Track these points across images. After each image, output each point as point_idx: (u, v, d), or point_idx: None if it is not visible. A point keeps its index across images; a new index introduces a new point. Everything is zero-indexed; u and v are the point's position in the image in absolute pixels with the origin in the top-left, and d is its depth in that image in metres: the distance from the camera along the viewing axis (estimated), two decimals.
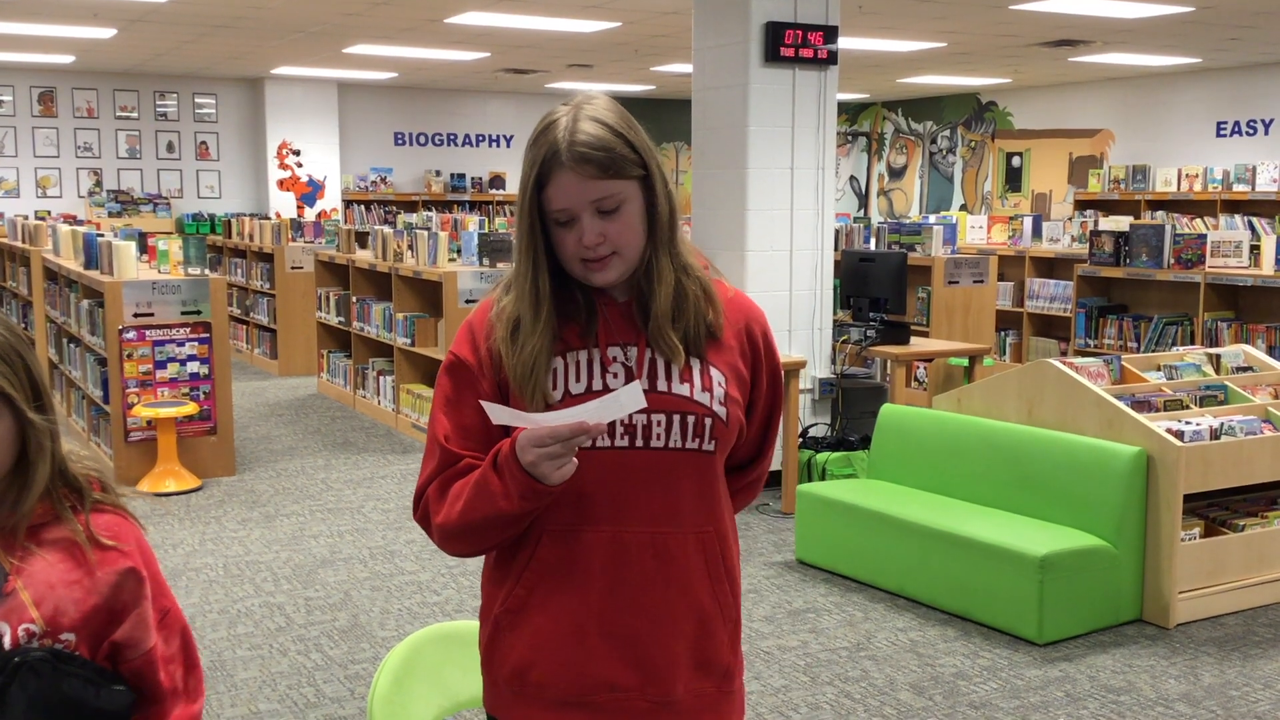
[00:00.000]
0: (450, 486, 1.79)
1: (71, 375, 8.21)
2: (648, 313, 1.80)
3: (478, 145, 16.42)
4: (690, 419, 1.77)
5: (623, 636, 1.78)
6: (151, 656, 1.74)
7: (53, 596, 1.65)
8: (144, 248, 8.33)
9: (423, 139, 16.09)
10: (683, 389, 1.77)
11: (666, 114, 16.91)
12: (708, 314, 1.82)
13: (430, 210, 15.03)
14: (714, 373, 1.81)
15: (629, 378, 1.77)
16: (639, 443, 1.75)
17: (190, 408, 6.82)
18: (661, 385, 1.77)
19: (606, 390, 1.76)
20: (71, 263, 8.21)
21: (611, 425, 1.73)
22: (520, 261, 1.79)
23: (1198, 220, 12.79)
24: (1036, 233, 10.72)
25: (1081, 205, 14.02)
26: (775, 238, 6.76)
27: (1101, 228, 9.52)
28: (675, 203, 1.83)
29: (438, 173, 16.07)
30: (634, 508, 1.76)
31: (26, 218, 12.49)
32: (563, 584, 1.78)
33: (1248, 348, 5.75)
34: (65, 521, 1.70)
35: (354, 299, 9.24)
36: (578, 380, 1.77)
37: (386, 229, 9.05)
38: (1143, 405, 4.99)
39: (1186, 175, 13.07)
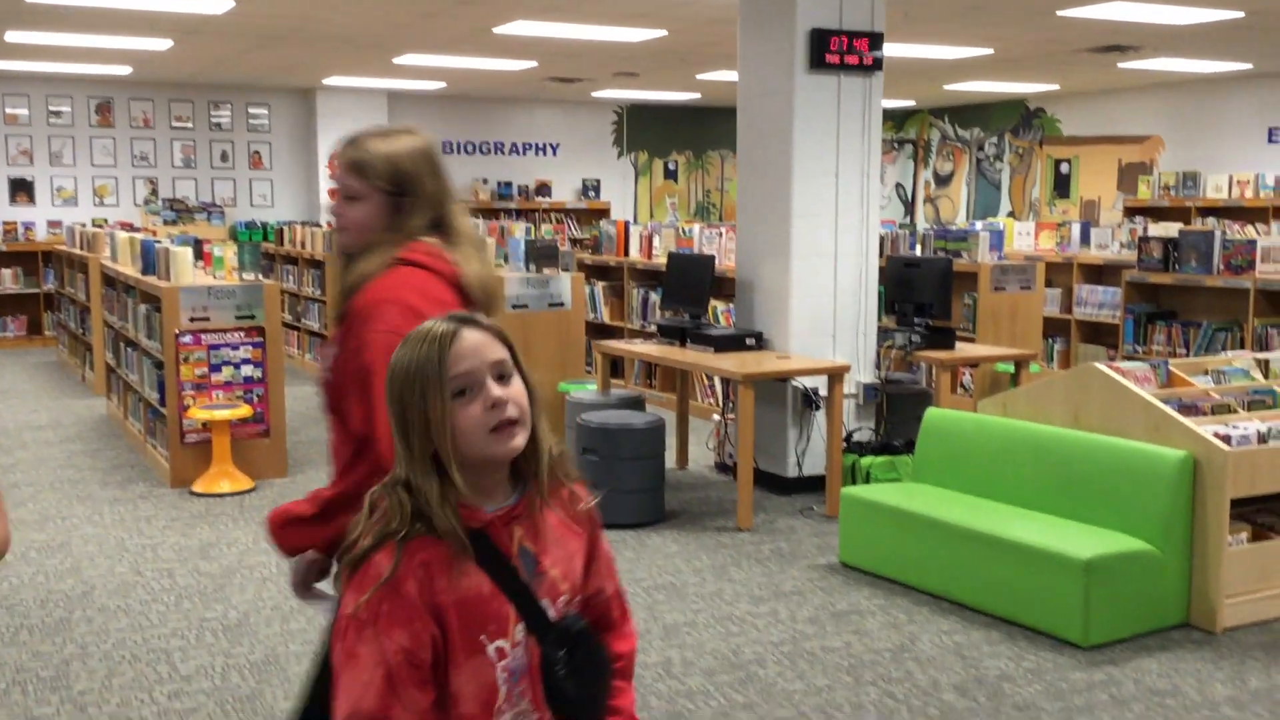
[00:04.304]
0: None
1: (129, 379, 8.38)
2: None
3: (524, 154, 16.56)
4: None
5: None
6: (612, 597, 1.95)
7: (568, 569, 1.84)
8: (199, 254, 8.49)
9: (470, 147, 16.25)
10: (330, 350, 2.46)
11: (712, 121, 16.98)
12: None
13: (478, 218, 15.16)
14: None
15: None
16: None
17: (244, 410, 6.95)
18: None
19: None
20: (129, 269, 8.39)
21: None
22: None
23: (1249, 227, 12.65)
24: (1085, 239, 10.66)
25: (1131, 212, 13.91)
26: (820, 243, 6.79)
27: (1150, 234, 9.46)
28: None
29: (485, 181, 16.23)
30: None
31: (84, 225, 12.77)
32: None
33: None
34: (556, 492, 1.85)
35: None
36: None
37: None
38: (1190, 409, 4.97)
39: (1238, 181, 12.93)
